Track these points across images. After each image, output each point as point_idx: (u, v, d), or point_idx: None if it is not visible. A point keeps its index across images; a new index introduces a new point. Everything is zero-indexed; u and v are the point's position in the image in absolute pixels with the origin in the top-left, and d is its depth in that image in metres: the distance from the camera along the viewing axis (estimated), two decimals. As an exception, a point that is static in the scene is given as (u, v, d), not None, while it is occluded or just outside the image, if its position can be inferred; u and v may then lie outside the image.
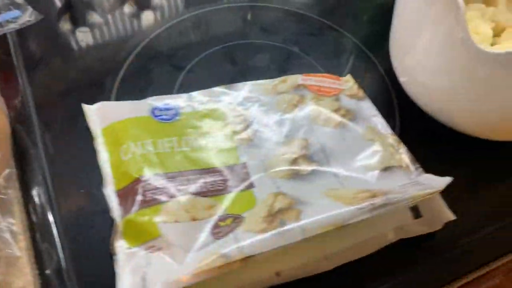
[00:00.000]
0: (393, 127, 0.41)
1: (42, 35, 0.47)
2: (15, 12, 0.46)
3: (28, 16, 0.46)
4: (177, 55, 0.46)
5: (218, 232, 0.32)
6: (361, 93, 0.43)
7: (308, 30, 0.51)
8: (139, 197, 0.33)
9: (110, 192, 0.35)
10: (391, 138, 0.39)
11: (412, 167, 0.37)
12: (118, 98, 0.42)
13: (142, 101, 0.39)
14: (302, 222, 0.30)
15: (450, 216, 0.34)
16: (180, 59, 0.46)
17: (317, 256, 0.32)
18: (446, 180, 0.33)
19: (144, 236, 0.32)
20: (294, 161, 0.37)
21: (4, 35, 0.44)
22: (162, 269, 0.30)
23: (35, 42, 0.46)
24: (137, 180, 0.34)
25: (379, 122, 0.40)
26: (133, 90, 0.43)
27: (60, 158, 0.38)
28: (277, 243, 0.29)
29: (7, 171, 0.36)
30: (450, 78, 0.36)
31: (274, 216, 0.31)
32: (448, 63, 0.35)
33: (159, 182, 0.34)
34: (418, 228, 0.34)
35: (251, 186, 0.35)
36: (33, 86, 0.42)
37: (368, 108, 0.41)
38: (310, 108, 0.40)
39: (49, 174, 0.37)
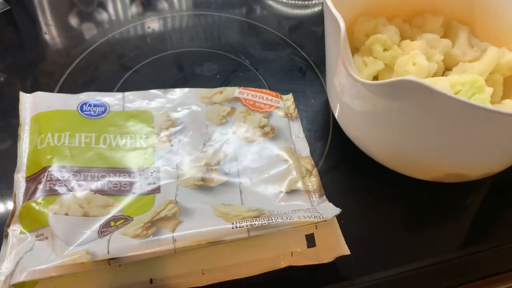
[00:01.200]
0: (322, 152, 0.41)
1: (4, 22, 0.49)
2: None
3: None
4: (128, 55, 0.47)
5: (105, 231, 0.32)
6: (295, 113, 0.42)
7: (264, 44, 0.50)
8: (40, 186, 0.34)
9: (20, 178, 0.36)
10: (307, 161, 0.38)
11: (317, 194, 0.35)
12: (61, 90, 0.43)
13: (76, 95, 0.40)
14: (175, 233, 0.30)
15: (345, 250, 0.32)
16: (130, 60, 0.47)
17: (193, 269, 0.32)
18: (335, 212, 0.32)
19: (36, 223, 0.33)
20: (206, 171, 0.37)
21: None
22: (38, 258, 0.31)
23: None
24: (44, 169, 0.35)
25: (301, 144, 0.39)
26: (77, 84, 0.44)
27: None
28: (144, 250, 0.29)
29: None
30: (354, 110, 0.35)
31: (153, 223, 0.31)
32: (349, 94, 0.34)
33: (63, 174, 0.35)
34: (308, 258, 0.33)
35: (156, 191, 0.35)
36: None
37: (296, 129, 0.41)
38: (236, 122, 0.40)
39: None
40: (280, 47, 0.50)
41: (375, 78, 0.40)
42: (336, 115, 0.41)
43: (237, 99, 0.42)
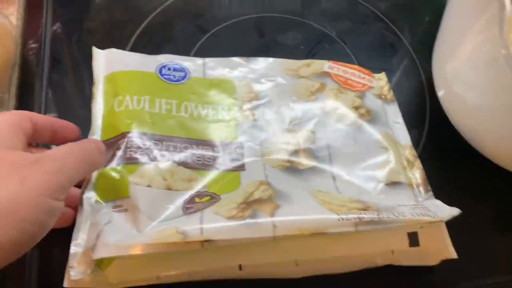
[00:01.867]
0: (418, 141, 0.37)
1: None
2: None
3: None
4: (204, 17, 0.43)
5: (190, 207, 0.30)
6: (390, 95, 0.38)
7: (352, 16, 0.46)
8: (119, 153, 0.31)
9: None
10: (409, 151, 0.34)
11: (422, 189, 0.32)
12: (133, 50, 0.40)
13: (153, 56, 0.37)
14: (275, 218, 0.27)
15: (452, 254, 0.29)
16: (207, 22, 0.43)
17: (286, 259, 0.29)
18: (452, 212, 0.28)
19: (114, 193, 0.30)
20: (294, 153, 0.33)
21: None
22: (119, 232, 0.28)
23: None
24: (123, 135, 0.32)
25: (400, 131, 0.36)
26: (150, 44, 0.41)
27: (59, 98, 0.37)
28: (241, 234, 0.27)
29: (-1, 95, 0.35)
30: (488, 97, 0.30)
31: (249, 205, 0.28)
32: (488, 81, 0.29)
33: (144, 142, 0.32)
34: (411, 258, 0.29)
35: (241, 168, 0.32)
36: (54, 23, 0.41)
37: (392, 113, 0.37)
38: (327, 100, 0.36)
39: (44, 110, 0.36)
40: (370, 20, 0.45)
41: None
42: (444, 104, 0.36)
43: (326, 74, 0.38)
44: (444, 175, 0.34)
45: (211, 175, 0.32)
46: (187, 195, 0.30)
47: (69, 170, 0.25)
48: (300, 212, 0.28)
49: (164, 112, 0.34)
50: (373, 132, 0.35)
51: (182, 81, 0.36)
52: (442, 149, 0.37)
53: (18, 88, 0.37)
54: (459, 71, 0.33)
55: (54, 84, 0.38)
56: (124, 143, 0.31)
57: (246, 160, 0.33)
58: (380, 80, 0.39)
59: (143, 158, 0.31)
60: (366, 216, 0.27)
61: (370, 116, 0.36)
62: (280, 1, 0.46)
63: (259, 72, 0.38)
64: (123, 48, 0.40)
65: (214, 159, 0.32)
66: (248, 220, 0.27)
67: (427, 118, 0.38)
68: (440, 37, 0.37)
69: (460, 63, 0.33)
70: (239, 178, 0.32)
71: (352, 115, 0.35)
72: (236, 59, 0.38)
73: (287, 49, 0.42)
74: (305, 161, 0.33)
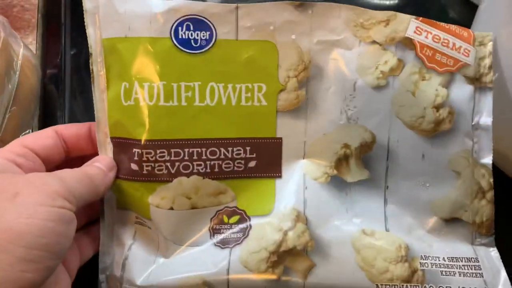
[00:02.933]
0: None
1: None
2: None
3: None
4: None
5: (219, 229, 0.27)
6: (489, 76, 0.28)
7: None
8: (133, 166, 0.26)
9: (103, 137, 0.27)
10: (485, 173, 0.27)
11: (484, 230, 0.27)
12: None
13: (166, 4, 0.26)
14: (308, 282, 0.25)
15: None
16: None
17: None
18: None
19: (134, 207, 0.27)
20: (344, 158, 0.28)
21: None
22: (145, 259, 0.27)
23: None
24: (136, 142, 0.26)
25: (485, 141, 0.28)
26: None
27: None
28: None
29: (27, 131, 0.34)
30: None
31: (281, 258, 0.26)
32: None
33: (163, 152, 0.26)
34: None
35: (277, 173, 0.28)
36: (72, 50, 0.36)
37: (483, 108, 0.28)
38: (401, 89, 0.27)
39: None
40: None
41: None
42: None
43: (409, 43, 0.27)
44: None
45: (242, 184, 0.27)
46: (213, 211, 0.27)
47: (67, 182, 0.23)
48: (336, 279, 0.25)
49: (184, 103, 0.26)
50: (449, 148, 0.27)
51: (206, 48, 0.26)
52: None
53: (40, 120, 0.35)
54: None
55: (74, 113, 0.35)
56: (139, 155, 0.26)
57: (285, 161, 0.28)
58: (483, 46, 0.28)
59: (162, 175, 0.26)
60: (409, 293, 0.25)
61: (452, 122, 0.27)
62: None
63: (313, 24, 0.27)
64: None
65: (246, 162, 0.27)
66: (279, 282, 0.25)
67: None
68: None
69: None
70: (274, 190, 0.28)
71: (430, 119, 0.27)
72: (283, 4, 0.27)
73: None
74: (355, 172, 0.28)
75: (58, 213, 0.21)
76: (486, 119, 0.28)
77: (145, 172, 0.26)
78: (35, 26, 0.40)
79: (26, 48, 0.35)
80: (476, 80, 0.28)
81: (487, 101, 0.28)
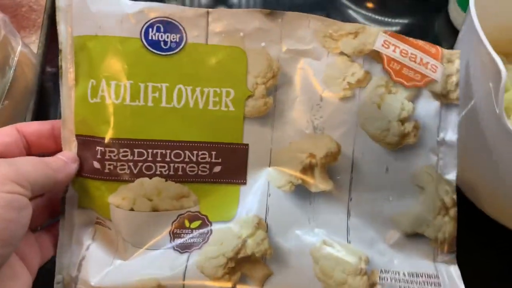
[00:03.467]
0: None
1: None
2: None
3: None
4: None
5: (180, 234, 0.27)
6: (456, 93, 0.28)
7: None
8: (96, 164, 0.26)
9: (67, 133, 0.27)
10: (448, 190, 0.27)
11: (446, 247, 0.27)
12: None
13: (135, 5, 0.26)
14: None
15: None
16: None
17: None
18: None
19: (94, 206, 0.27)
20: (309, 168, 0.27)
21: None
22: (102, 261, 0.26)
23: None
24: (100, 139, 0.26)
25: (449, 157, 0.28)
26: None
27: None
28: None
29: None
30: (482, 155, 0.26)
31: (238, 265, 0.25)
32: (483, 140, 0.25)
33: (125, 152, 0.26)
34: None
35: (242, 180, 0.27)
36: None
37: (448, 124, 0.28)
38: (366, 102, 0.27)
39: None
40: None
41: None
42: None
43: (377, 56, 0.27)
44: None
45: (206, 189, 0.27)
46: (175, 215, 0.27)
47: (19, 166, 0.22)
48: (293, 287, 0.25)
49: (151, 103, 0.26)
50: (413, 162, 0.27)
51: (176, 51, 0.26)
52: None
53: (33, 114, 0.35)
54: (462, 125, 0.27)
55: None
56: (101, 154, 0.26)
57: (250, 169, 0.27)
58: (450, 64, 0.28)
59: (124, 174, 0.26)
60: (364, 307, 0.24)
61: (417, 137, 0.27)
62: None
63: (286, 35, 0.27)
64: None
65: (211, 167, 0.27)
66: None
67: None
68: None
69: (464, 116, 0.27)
70: (238, 197, 0.27)
71: (395, 131, 0.27)
72: (253, 12, 0.27)
73: None
74: (320, 182, 0.27)
75: (7, 198, 0.21)
76: (451, 135, 0.28)
77: (107, 170, 0.26)
78: (39, 26, 0.41)
79: (25, 46, 0.36)
80: (442, 97, 0.28)
81: (452, 117, 0.28)
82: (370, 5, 0.48)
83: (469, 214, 0.31)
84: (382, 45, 0.27)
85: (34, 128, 0.27)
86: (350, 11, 0.47)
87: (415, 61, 0.27)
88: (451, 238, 0.27)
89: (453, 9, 0.45)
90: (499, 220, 0.33)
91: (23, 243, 0.24)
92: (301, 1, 0.45)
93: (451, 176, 0.27)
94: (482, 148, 0.29)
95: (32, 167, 0.23)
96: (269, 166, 0.28)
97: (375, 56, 0.27)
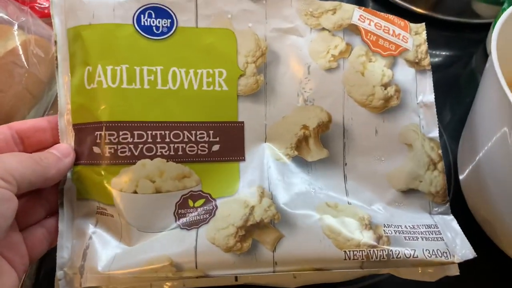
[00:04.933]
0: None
1: None
2: None
3: None
4: None
5: (184, 213, 0.27)
6: (427, 60, 0.31)
7: None
8: (96, 149, 0.26)
9: (65, 124, 0.27)
10: (435, 147, 0.30)
11: (439, 199, 0.29)
12: None
13: None
14: (277, 253, 0.25)
15: (454, 270, 0.28)
16: None
17: (284, 276, 0.28)
18: (467, 254, 0.26)
19: (96, 194, 0.27)
20: (303, 138, 0.29)
21: None
22: (107, 248, 0.26)
23: None
24: (99, 124, 0.26)
25: (429, 117, 0.30)
26: None
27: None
28: (239, 270, 0.25)
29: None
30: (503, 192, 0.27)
31: (249, 232, 0.26)
32: (503, 176, 0.26)
33: (125, 134, 0.26)
34: (412, 273, 0.28)
35: (240, 156, 0.28)
36: None
37: (424, 87, 0.30)
38: (351, 70, 0.29)
39: None
40: None
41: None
42: (464, 188, 0.34)
43: (355, 29, 0.30)
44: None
45: (206, 168, 0.28)
46: (179, 196, 0.27)
47: (4, 161, 0.22)
48: (304, 248, 0.25)
49: (147, 86, 0.27)
50: (399, 122, 0.29)
51: (168, 35, 0.28)
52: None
53: None
54: (480, 163, 0.29)
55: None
56: (102, 137, 0.26)
57: (247, 145, 0.28)
58: (418, 35, 0.31)
59: (125, 157, 0.26)
60: (375, 254, 0.25)
61: (399, 99, 0.29)
62: None
63: (268, 15, 0.29)
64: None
65: (210, 145, 0.28)
66: (248, 255, 0.25)
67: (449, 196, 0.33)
68: (467, 126, 0.32)
69: (481, 156, 0.29)
70: (238, 173, 0.28)
71: (379, 96, 0.29)
72: None
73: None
74: (315, 151, 0.29)
75: None
76: (428, 97, 0.30)
77: (107, 154, 0.26)
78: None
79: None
80: (416, 64, 0.30)
81: (427, 81, 0.30)
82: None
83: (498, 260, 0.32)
84: (359, 19, 0.30)
85: (29, 124, 0.27)
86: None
87: (388, 33, 0.30)
88: (442, 190, 0.29)
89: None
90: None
91: (7, 242, 0.24)
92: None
93: (434, 133, 0.30)
94: (499, 190, 0.30)
95: (18, 162, 0.23)
96: (265, 141, 0.29)
97: (353, 29, 0.30)
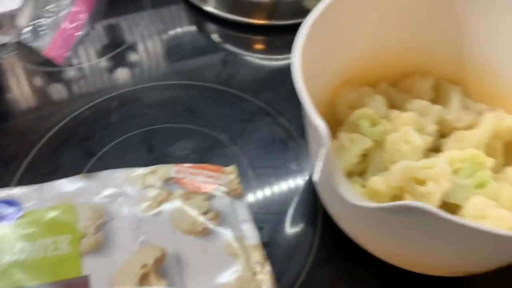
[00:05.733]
0: (311, 240, 0.36)
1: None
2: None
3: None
4: (92, 138, 0.44)
5: None
6: (239, 190, 0.37)
7: (241, 114, 0.46)
8: None
9: None
10: (258, 251, 0.33)
11: None
12: (21, 182, 0.40)
13: None
14: None
15: None
16: (95, 143, 0.43)
17: None
18: None
19: None
20: (144, 277, 0.32)
21: None
22: None
23: None
24: None
25: (249, 229, 0.35)
26: (39, 175, 0.41)
27: None
28: None
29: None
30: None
31: None
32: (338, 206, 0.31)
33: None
34: None
35: None
36: None
37: (242, 210, 0.36)
38: (174, 209, 0.36)
39: None
40: (258, 117, 0.45)
41: (364, 156, 0.35)
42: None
43: (174, 180, 0.37)
44: (338, 275, 0.34)
45: None
46: None
47: None
48: None
49: None
50: (222, 238, 0.34)
51: (15, 218, 0.34)
52: (335, 248, 0.36)
53: None
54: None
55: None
56: None
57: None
58: (230, 174, 0.39)
59: None
60: None
61: (219, 219, 0.35)
62: (169, 110, 0.46)
63: (103, 186, 0.37)
64: (9, 183, 0.40)
65: None
66: None
67: (318, 215, 0.38)
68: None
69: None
70: None
71: (200, 222, 0.35)
72: (76, 177, 0.37)
73: (178, 159, 0.41)
74: (155, 284, 0.32)
75: None
76: (245, 216, 0.36)
77: None
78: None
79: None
80: (230, 194, 0.37)
81: (243, 205, 0.36)
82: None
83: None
84: (176, 172, 0.38)
85: None
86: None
87: (203, 176, 0.38)
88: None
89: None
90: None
91: None
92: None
93: (254, 241, 0.34)
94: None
95: None
96: (113, 287, 0.32)
97: (173, 181, 0.37)
